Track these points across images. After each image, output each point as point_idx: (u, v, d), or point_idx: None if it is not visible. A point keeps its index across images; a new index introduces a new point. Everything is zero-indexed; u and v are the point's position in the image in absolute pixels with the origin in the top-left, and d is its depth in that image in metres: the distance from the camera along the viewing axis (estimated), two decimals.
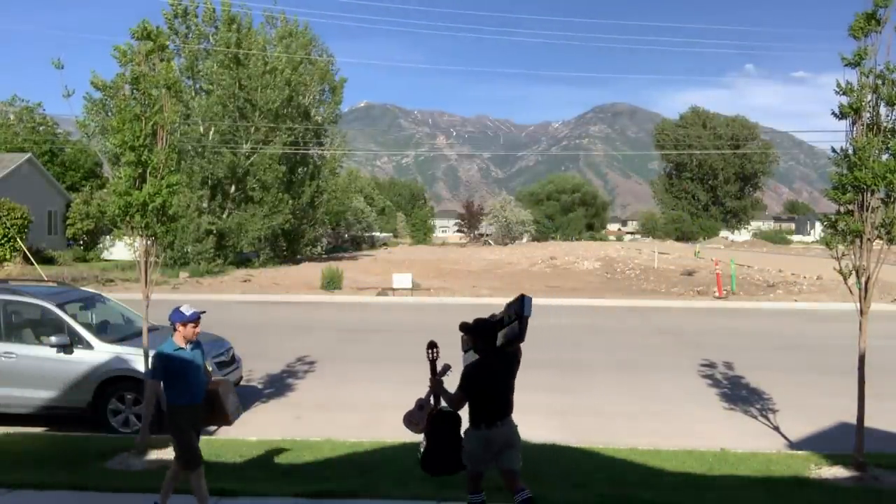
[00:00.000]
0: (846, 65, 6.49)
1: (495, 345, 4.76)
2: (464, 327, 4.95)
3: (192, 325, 5.33)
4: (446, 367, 5.08)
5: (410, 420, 5.09)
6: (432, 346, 5.02)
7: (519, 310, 4.68)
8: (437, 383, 4.97)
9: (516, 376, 4.95)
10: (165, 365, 5.25)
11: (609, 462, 7.16)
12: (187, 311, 5.36)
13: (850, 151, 6.52)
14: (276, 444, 7.60)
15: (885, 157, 6.38)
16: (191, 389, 5.28)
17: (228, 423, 5.67)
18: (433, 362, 5.02)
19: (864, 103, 6.42)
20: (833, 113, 6.60)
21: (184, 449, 5.27)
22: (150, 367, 5.23)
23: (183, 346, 5.31)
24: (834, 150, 6.72)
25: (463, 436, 4.92)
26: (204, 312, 5.50)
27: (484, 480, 4.99)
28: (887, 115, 6.39)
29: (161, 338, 8.84)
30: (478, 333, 4.83)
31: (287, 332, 15.84)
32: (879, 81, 6.34)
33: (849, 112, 6.49)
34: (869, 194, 6.43)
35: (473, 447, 4.81)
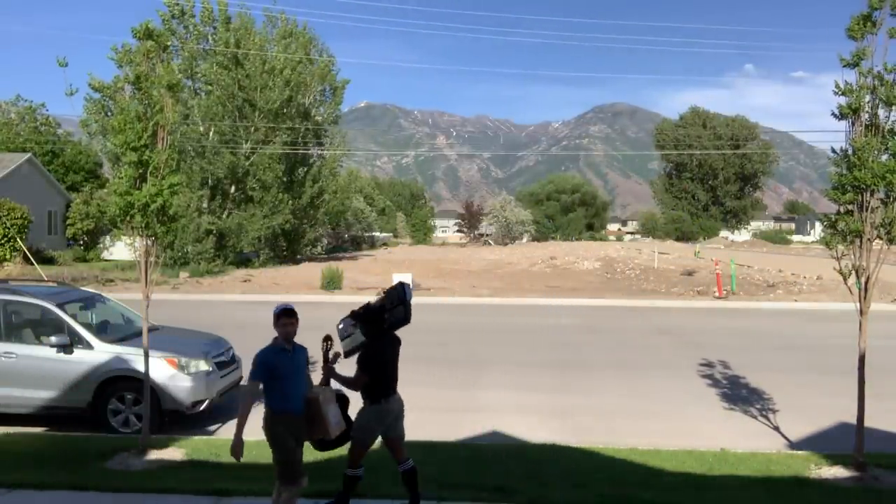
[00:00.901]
0: (845, 66, 6.49)
1: (383, 328, 5.42)
2: (355, 315, 5.45)
3: (285, 319, 4.92)
4: (336, 355, 5.49)
5: None
6: (327, 339, 5.41)
7: (402, 296, 5.44)
8: (330, 370, 5.37)
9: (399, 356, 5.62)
10: (266, 365, 4.86)
11: (609, 462, 7.16)
12: (279, 306, 5.03)
13: (850, 152, 6.53)
14: None
15: (884, 157, 6.39)
16: (288, 396, 4.89)
17: (329, 435, 5.12)
18: (326, 353, 5.42)
19: (862, 104, 6.42)
20: (833, 114, 6.61)
21: (280, 460, 4.93)
22: (251, 367, 4.96)
23: (286, 347, 4.94)
24: (834, 151, 6.73)
25: (358, 414, 5.41)
26: (289, 306, 5.06)
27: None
28: (885, 116, 6.39)
29: (161, 338, 8.90)
30: (367, 320, 5.40)
31: None
32: (877, 82, 6.35)
33: (848, 113, 6.50)
34: (868, 194, 6.43)
35: (371, 421, 5.36)
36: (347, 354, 5.77)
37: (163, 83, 7.13)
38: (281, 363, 4.88)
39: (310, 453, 7.27)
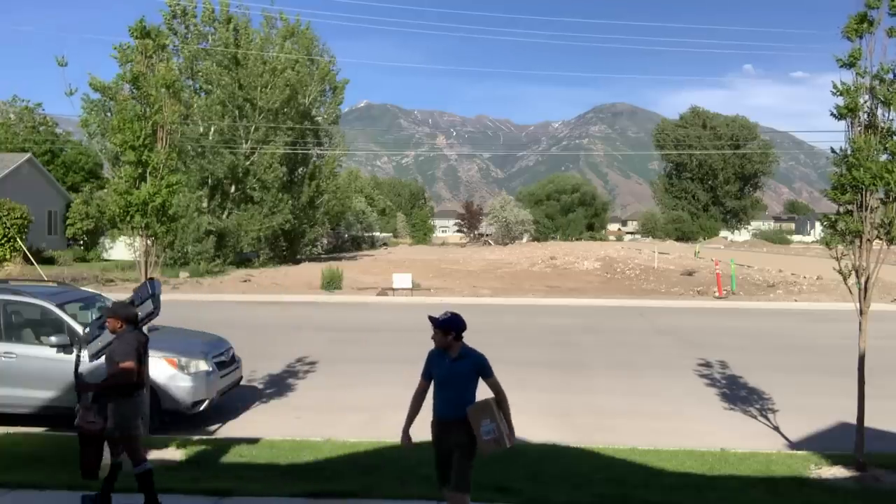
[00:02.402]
0: (841, 66, 6.48)
1: (137, 323, 5.83)
2: (112, 314, 5.67)
3: (438, 331, 4.72)
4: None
5: (88, 420, 5.48)
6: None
7: (152, 291, 6.07)
8: (77, 375, 5.67)
9: None
10: (427, 363, 4.85)
11: (609, 462, 7.15)
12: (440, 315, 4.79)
13: (849, 152, 6.52)
14: (276, 444, 7.60)
15: (883, 157, 6.38)
16: (440, 401, 4.78)
17: (480, 450, 4.75)
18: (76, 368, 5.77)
19: (859, 104, 6.42)
20: (831, 114, 6.60)
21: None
22: None
23: (443, 352, 4.77)
24: (833, 151, 6.72)
25: (117, 413, 5.47)
26: (436, 320, 4.76)
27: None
28: (884, 116, 6.38)
29: (161, 338, 8.89)
30: (128, 317, 5.70)
31: (287, 332, 15.84)
32: (876, 82, 6.34)
33: (845, 113, 6.49)
34: (868, 194, 6.43)
35: (132, 412, 5.49)
36: (95, 356, 5.85)
37: (161, 83, 7.12)
38: (436, 365, 4.80)
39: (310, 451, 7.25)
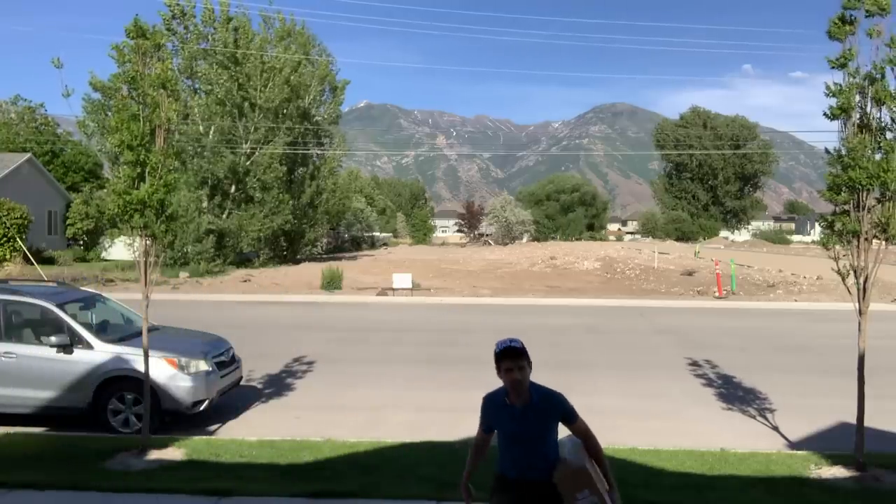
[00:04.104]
0: (833, 67, 6.49)
1: None
2: None
3: (507, 363, 3.49)
4: None
5: None
6: None
7: None
8: None
9: None
10: (483, 412, 3.74)
11: (609, 462, 7.15)
12: (500, 343, 3.57)
13: (843, 152, 6.52)
14: (275, 444, 7.60)
15: (878, 156, 6.38)
16: (510, 458, 3.66)
17: None
18: None
19: (852, 104, 6.42)
20: (825, 114, 6.61)
21: None
22: None
23: (506, 401, 3.61)
24: (828, 151, 6.72)
25: None
26: (514, 343, 3.55)
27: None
28: (877, 114, 6.38)
29: (161, 338, 8.90)
30: None
31: (287, 332, 15.83)
32: (867, 82, 6.34)
33: (839, 113, 6.50)
34: (864, 194, 6.42)
35: None
36: None
37: (156, 82, 7.11)
38: (499, 418, 3.65)
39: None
